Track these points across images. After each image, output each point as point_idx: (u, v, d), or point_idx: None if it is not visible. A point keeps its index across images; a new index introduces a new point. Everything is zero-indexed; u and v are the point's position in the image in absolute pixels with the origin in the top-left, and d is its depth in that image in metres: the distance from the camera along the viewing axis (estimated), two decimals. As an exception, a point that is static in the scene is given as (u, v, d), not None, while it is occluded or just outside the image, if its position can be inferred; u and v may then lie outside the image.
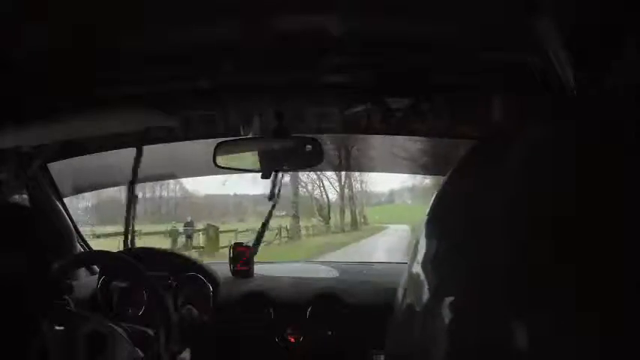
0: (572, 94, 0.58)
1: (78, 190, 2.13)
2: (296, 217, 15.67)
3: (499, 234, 0.30)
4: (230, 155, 1.46)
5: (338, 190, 17.00)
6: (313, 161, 1.41)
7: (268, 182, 1.63)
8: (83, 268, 1.80)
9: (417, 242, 0.37)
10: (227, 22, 0.90)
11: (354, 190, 18.16)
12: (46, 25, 0.86)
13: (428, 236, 0.36)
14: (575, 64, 0.59)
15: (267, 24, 0.91)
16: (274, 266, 2.03)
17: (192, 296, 1.69)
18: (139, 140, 1.69)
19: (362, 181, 18.17)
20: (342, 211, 17.68)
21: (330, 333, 1.67)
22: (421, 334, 0.33)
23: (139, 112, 1.27)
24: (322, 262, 2.12)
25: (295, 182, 15.85)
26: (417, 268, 0.36)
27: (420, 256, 0.36)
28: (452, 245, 0.33)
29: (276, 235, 13.56)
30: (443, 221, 0.36)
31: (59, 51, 0.96)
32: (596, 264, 0.26)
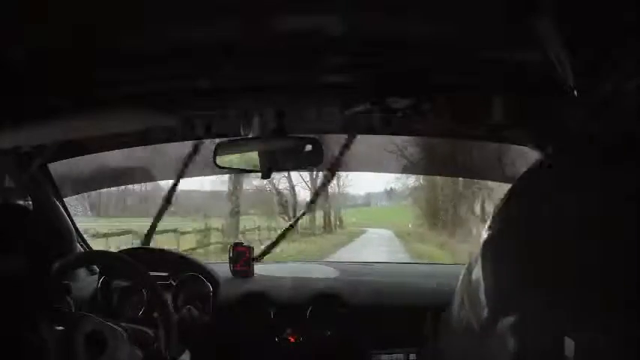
0: (573, 95, 0.58)
1: (78, 190, 2.13)
2: (235, 213, 12.10)
3: (565, 255, 0.30)
4: (230, 155, 1.46)
5: (310, 186, 14.10)
6: (313, 161, 1.41)
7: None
8: (83, 268, 1.80)
9: (478, 253, 0.36)
10: (227, 21, 0.90)
11: (328, 188, 15.94)
12: (46, 25, 0.86)
13: (488, 249, 0.35)
14: (575, 64, 0.59)
15: (267, 24, 0.91)
16: (274, 266, 2.03)
17: (192, 296, 1.69)
18: (139, 140, 1.70)
19: (339, 184, 15.80)
20: (312, 210, 14.78)
21: (330, 333, 1.67)
22: (479, 346, 0.33)
23: (139, 112, 1.27)
24: (322, 262, 2.12)
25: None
26: (477, 278, 0.35)
27: (479, 269, 0.35)
28: (516, 263, 0.33)
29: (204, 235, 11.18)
30: (505, 239, 0.35)
31: (59, 51, 0.96)
32: None
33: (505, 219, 0.37)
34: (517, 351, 0.30)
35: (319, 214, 15.02)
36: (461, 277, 0.36)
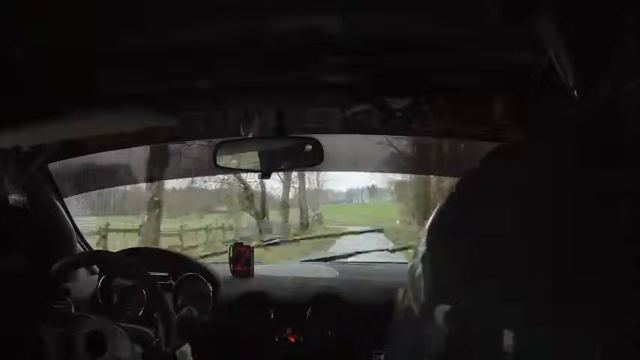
0: (572, 95, 0.58)
1: (78, 190, 2.13)
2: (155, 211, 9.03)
3: (502, 244, 0.30)
4: (230, 155, 1.46)
5: (281, 177, 12.32)
6: (313, 161, 1.41)
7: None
8: (83, 268, 1.80)
9: (418, 244, 0.37)
10: (227, 21, 0.90)
11: (305, 182, 13.89)
12: (46, 25, 0.86)
13: (429, 241, 0.36)
14: (575, 64, 0.59)
15: (267, 24, 0.91)
16: (274, 266, 2.04)
17: (192, 296, 1.69)
18: (139, 140, 1.70)
19: (317, 179, 14.53)
20: (286, 207, 12.80)
21: (329, 333, 1.67)
22: (416, 336, 0.34)
23: (139, 112, 1.27)
24: (322, 262, 2.12)
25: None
26: (418, 270, 0.36)
27: (419, 259, 0.36)
28: (451, 251, 0.34)
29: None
30: (444, 228, 0.36)
31: (59, 51, 0.96)
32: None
33: (449, 204, 0.38)
34: (452, 336, 0.31)
35: (295, 212, 13.17)
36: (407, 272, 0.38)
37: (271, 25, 0.92)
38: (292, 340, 1.67)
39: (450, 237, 0.35)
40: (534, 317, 0.27)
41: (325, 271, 1.93)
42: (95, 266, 1.82)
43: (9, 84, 1.05)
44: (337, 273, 1.90)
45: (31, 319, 1.07)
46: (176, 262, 1.75)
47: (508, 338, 0.27)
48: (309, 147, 1.38)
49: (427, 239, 0.37)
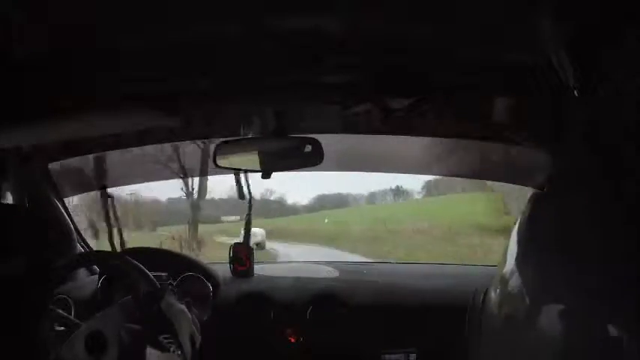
0: (573, 94, 0.58)
1: (78, 190, 2.13)
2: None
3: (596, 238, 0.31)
4: (230, 155, 1.46)
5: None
6: (313, 161, 1.41)
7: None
8: (83, 268, 1.80)
9: (506, 251, 0.37)
10: (227, 21, 0.90)
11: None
12: (46, 25, 0.86)
13: (521, 242, 0.36)
14: (575, 64, 0.59)
15: (267, 24, 0.91)
16: (274, 266, 2.04)
17: (192, 296, 1.69)
18: (138, 140, 1.70)
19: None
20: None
21: (329, 333, 1.67)
22: (523, 337, 0.33)
23: (139, 112, 1.27)
24: (322, 262, 2.12)
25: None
26: (511, 272, 0.36)
27: (515, 264, 0.36)
28: (550, 251, 0.34)
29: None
30: (537, 229, 0.36)
31: (59, 51, 0.96)
32: None
33: (533, 220, 0.38)
34: (567, 336, 0.31)
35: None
36: (497, 276, 0.37)
37: (271, 25, 0.92)
38: (292, 340, 1.67)
39: (549, 241, 0.35)
40: None
41: (325, 271, 1.93)
42: (95, 266, 1.82)
43: (9, 84, 1.05)
44: (337, 273, 1.90)
45: (31, 319, 1.07)
46: (176, 262, 1.75)
47: (616, 331, 0.27)
48: (309, 147, 1.38)
49: (521, 246, 0.36)
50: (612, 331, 0.28)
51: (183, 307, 1.28)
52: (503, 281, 0.37)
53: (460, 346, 1.65)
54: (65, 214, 1.81)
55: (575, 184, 0.35)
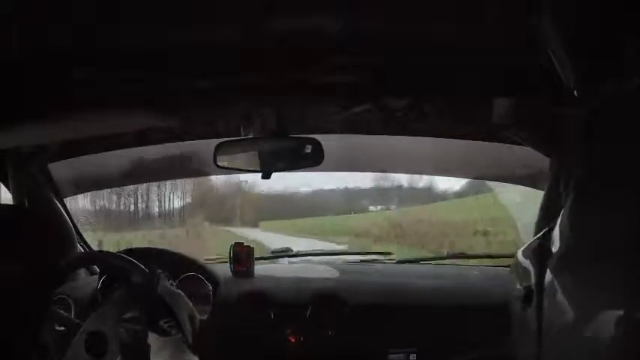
0: (572, 94, 0.58)
1: (78, 190, 2.13)
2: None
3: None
4: (230, 155, 1.47)
5: None
6: (313, 161, 1.41)
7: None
8: (83, 268, 1.80)
9: (550, 245, 0.37)
10: (227, 21, 0.90)
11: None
12: (46, 25, 0.86)
13: (564, 239, 0.36)
14: (575, 64, 0.59)
15: (267, 23, 0.91)
16: (274, 266, 2.03)
17: (192, 296, 1.69)
18: (138, 140, 1.70)
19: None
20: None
21: (330, 333, 1.67)
22: (578, 343, 0.33)
23: (139, 112, 1.27)
24: (322, 263, 2.12)
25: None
26: (562, 280, 0.35)
27: (558, 269, 0.35)
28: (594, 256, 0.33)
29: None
30: (580, 225, 0.36)
31: (59, 51, 0.96)
32: None
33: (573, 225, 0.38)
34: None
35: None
36: (547, 280, 0.37)
37: (271, 24, 0.92)
38: (292, 340, 1.67)
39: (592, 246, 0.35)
40: None
41: (325, 271, 1.93)
42: (95, 266, 1.82)
43: (9, 84, 1.05)
44: (337, 273, 1.90)
45: (31, 319, 1.07)
46: (176, 262, 1.75)
47: None
48: (309, 147, 1.38)
49: (564, 252, 0.36)
50: None
51: (179, 291, 1.29)
52: (550, 287, 0.36)
53: (460, 346, 1.64)
54: (65, 214, 1.81)
55: (613, 184, 0.35)
